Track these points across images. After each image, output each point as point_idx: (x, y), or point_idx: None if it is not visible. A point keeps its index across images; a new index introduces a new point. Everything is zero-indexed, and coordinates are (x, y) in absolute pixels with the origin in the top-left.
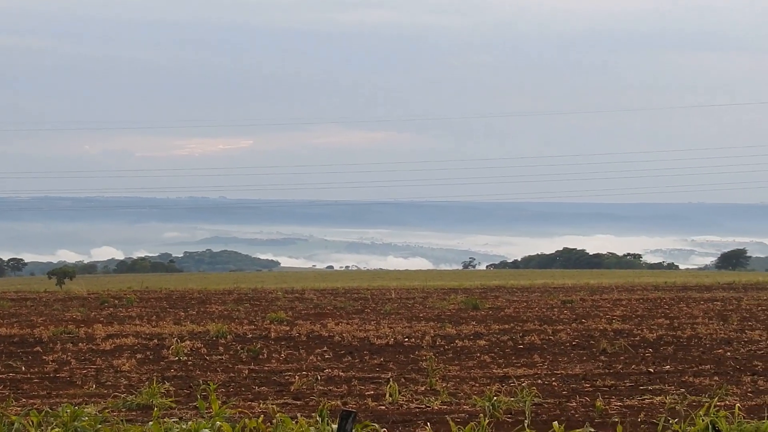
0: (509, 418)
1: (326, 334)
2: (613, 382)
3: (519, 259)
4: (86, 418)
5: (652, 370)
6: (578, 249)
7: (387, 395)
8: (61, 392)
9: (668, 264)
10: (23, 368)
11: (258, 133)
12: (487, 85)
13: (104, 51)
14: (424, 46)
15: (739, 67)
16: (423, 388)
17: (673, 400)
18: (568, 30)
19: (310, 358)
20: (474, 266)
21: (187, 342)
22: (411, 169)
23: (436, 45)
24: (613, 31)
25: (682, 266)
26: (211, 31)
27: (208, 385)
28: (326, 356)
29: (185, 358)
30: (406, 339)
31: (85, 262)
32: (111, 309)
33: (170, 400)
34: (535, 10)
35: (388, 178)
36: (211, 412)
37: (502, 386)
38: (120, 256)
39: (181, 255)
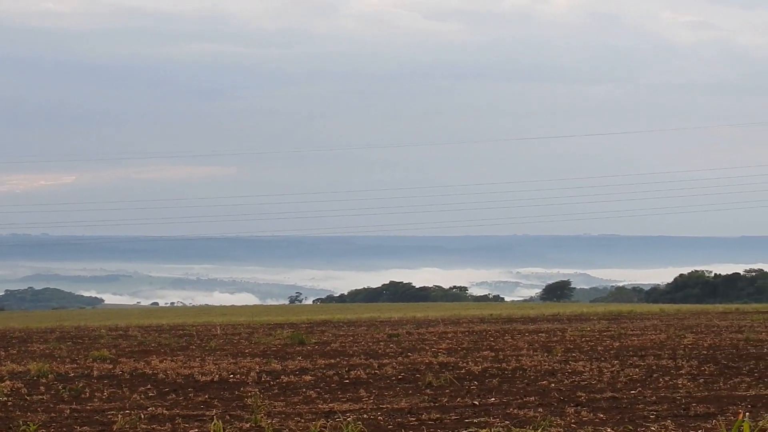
0: None
1: (150, 372)
2: (438, 415)
3: (345, 293)
4: None
5: (477, 403)
6: (405, 282)
7: None
8: None
9: (494, 296)
10: None
11: (81, 168)
12: (315, 117)
13: None
14: (247, 78)
15: (562, 99)
16: (248, 425)
17: None
18: (392, 63)
19: (134, 396)
20: (300, 301)
21: (7, 382)
22: (237, 204)
23: (260, 77)
24: (436, 63)
25: (507, 298)
26: (31, 65)
27: (28, 426)
28: (150, 394)
29: (5, 398)
30: (231, 375)
31: None
32: None
33: None
34: (358, 44)
35: (214, 213)
36: None
37: (328, 422)
38: None
39: (2, 293)
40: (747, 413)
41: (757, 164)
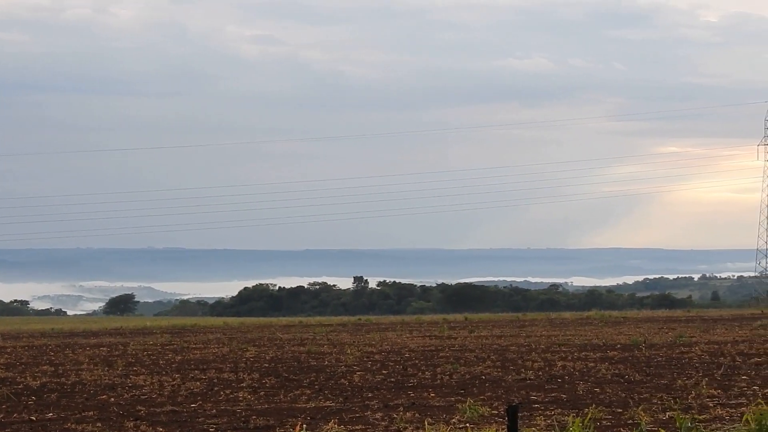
0: None
1: None
2: None
3: None
4: None
5: (34, 419)
6: None
7: None
8: None
9: (56, 310)
10: None
11: None
12: None
13: None
14: None
15: (128, 111)
16: None
17: None
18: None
19: None
20: None
21: None
22: None
23: None
24: (2, 73)
25: (70, 312)
26: None
27: None
28: None
29: None
30: None
31: None
32: None
33: None
34: None
35: None
36: None
37: None
38: None
39: None
40: (305, 425)
41: (321, 179)
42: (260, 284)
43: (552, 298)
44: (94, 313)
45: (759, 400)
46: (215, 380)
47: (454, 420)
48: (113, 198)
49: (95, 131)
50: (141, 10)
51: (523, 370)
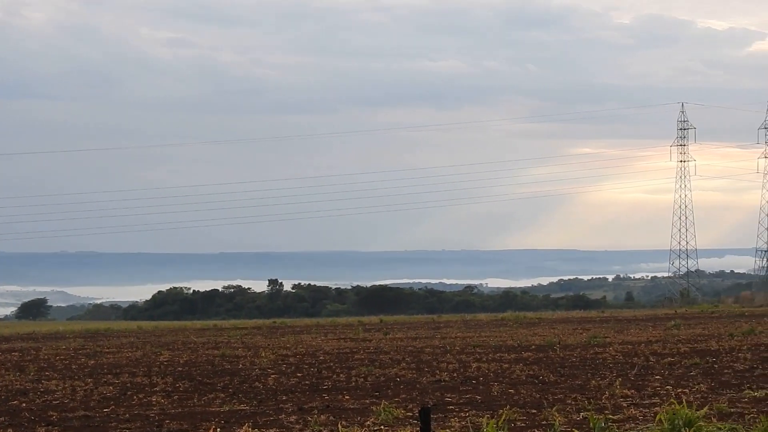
0: None
1: None
2: None
3: None
4: None
5: None
6: None
7: None
8: None
9: None
10: None
11: None
12: None
13: None
14: None
15: (44, 114)
16: None
17: None
18: None
19: None
20: None
21: None
22: None
23: None
24: None
25: None
26: None
27: None
28: None
29: None
30: None
31: None
32: None
33: None
34: None
35: None
36: None
37: None
38: None
39: None
40: (219, 429)
41: (234, 181)
42: (174, 288)
43: (467, 300)
44: (6, 317)
45: (672, 399)
46: (128, 385)
47: (368, 422)
48: (24, 202)
49: (2, 135)
50: (53, 13)
51: (437, 371)
